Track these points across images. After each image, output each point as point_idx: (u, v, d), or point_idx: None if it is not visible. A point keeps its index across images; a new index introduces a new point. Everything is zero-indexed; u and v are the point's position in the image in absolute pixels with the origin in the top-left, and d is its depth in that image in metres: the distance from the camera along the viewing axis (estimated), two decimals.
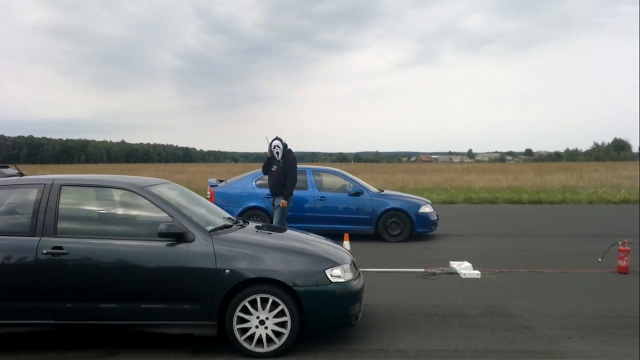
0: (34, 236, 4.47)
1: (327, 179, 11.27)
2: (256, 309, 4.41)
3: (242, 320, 4.43)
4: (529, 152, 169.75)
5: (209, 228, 4.68)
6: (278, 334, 4.43)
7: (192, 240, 4.47)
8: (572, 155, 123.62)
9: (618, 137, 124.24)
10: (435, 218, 10.83)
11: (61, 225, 4.53)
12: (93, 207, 4.96)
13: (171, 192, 5.20)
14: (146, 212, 4.72)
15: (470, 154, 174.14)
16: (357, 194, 10.59)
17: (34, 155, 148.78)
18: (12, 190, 4.91)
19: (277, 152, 8.72)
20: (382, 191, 11.29)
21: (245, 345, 4.42)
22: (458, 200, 20.21)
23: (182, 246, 4.45)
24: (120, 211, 4.91)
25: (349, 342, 4.80)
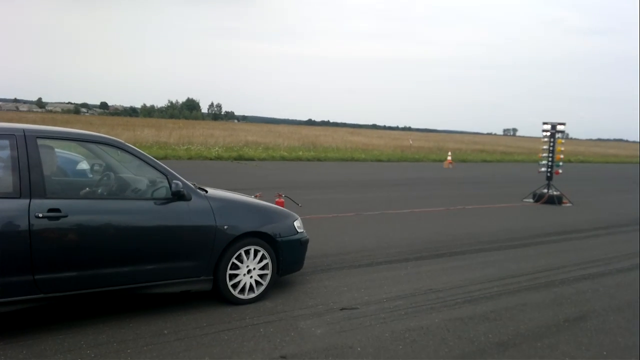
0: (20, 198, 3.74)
1: None
2: (246, 260, 4.71)
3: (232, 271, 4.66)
4: (104, 105, 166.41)
5: (194, 187, 4.63)
6: (258, 283, 4.81)
7: (190, 199, 4.42)
8: (148, 112, 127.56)
9: (190, 97, 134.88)
10: None
11: (50, 185, 3.97)
12: (78, 164, 5.04)
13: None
14: (135, 168, 4.58)
15: (40, 103, 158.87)
16: None
17: None
18: None
19: None
20: None
21: (234, 293, 4.67)
22: None
23: (183, 204, 4.38)
24: (106, 168, 4.73)
25: None
